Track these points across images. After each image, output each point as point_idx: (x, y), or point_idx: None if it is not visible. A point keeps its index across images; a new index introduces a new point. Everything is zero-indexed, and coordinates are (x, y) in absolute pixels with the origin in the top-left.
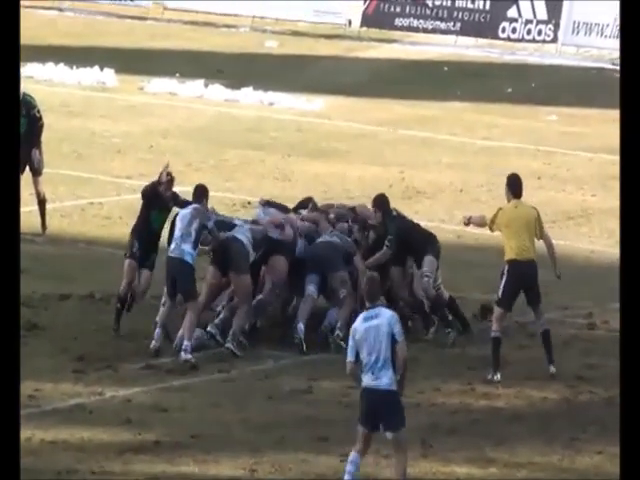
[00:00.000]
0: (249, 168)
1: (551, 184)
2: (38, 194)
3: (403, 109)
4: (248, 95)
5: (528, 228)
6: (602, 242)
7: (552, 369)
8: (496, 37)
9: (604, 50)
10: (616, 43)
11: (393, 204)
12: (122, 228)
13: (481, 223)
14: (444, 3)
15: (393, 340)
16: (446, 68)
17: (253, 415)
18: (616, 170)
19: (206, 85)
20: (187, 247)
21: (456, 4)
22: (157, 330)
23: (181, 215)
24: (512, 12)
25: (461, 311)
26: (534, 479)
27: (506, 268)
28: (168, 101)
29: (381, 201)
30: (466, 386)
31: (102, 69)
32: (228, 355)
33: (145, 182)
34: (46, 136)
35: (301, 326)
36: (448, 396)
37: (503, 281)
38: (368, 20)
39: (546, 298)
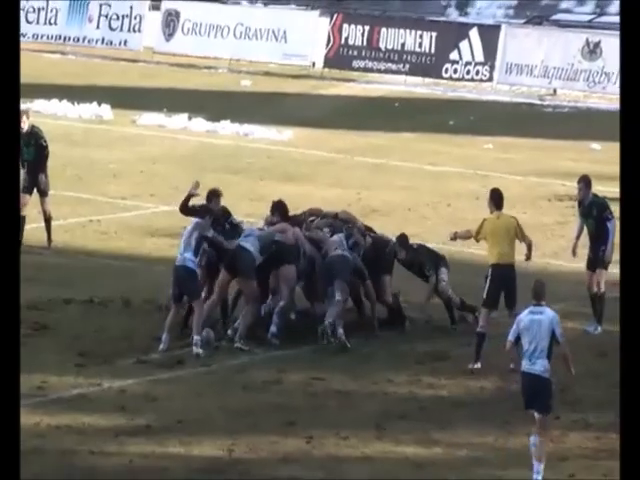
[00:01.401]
0: (227, 190)
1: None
2: (44, 212)
3: (360, 139)
4: (226, 127)
5: (509, 235)
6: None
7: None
8: (440, 77)
9: (533, 88)
10: (543, 82)
11: None
12: (117, 242)
13: (466, 236)
14: (395, 47)
15: (553, 337)
16: (397, 104)
17: (231, 403)
18: (543, 191)
19: (190, 118)
20: (188, 255)
21: (405, 48)
22: (164, 335)
23: (186, 229)
24: (454, 55)
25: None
26: (473, 457)
27: (489, 271)
28: (157, 132)
29: (403, 240)
30: (414, 377)
31: (100, 105)
32: (208, 351)
33: (138, 202)
34: (51, 162)
35: (330, 321)
36: (398, 386)
37: (487, 283)
38: (330, 62)
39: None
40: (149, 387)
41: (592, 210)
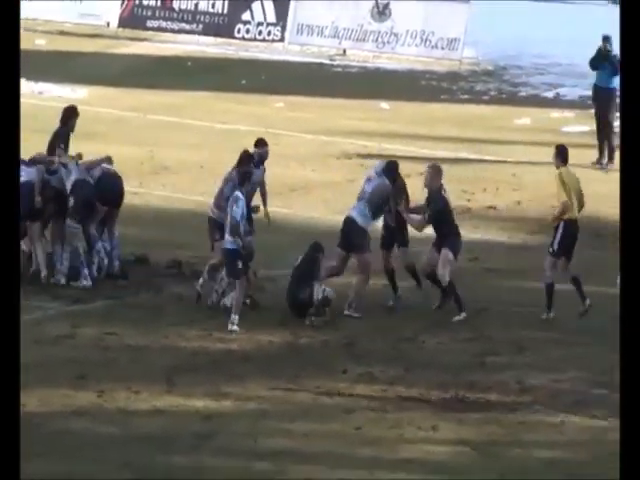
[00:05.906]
0: (27, 150)
1: (278, 161)
2: None
3: (153, 98)
4: (21, 86)
5: (579, 191)
6: (320, 210)
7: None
8: (232, 37)
9: (323, 48)
10: (333, 42)
11: (143, 179)
12: None
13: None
14: (188, 7)
15: None
16: (190, 63)
17: (22, 357)
18: (332, 149)
19: None
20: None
21: (199, 8)
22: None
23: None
24: (246, 16)
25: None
26: (262, 409)
27: (562, 224)
28: None
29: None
30: (205, 332)
31: None
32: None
33: None
34: None
35: None
36: (190, 340)
37: (559, 235)
38: (124, 22)
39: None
40: None
41: None
